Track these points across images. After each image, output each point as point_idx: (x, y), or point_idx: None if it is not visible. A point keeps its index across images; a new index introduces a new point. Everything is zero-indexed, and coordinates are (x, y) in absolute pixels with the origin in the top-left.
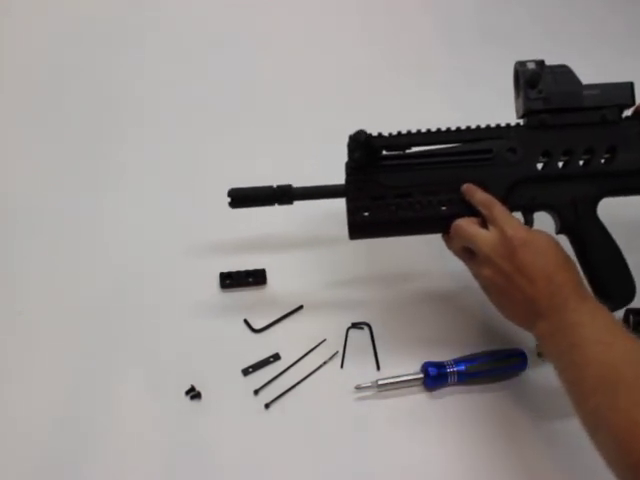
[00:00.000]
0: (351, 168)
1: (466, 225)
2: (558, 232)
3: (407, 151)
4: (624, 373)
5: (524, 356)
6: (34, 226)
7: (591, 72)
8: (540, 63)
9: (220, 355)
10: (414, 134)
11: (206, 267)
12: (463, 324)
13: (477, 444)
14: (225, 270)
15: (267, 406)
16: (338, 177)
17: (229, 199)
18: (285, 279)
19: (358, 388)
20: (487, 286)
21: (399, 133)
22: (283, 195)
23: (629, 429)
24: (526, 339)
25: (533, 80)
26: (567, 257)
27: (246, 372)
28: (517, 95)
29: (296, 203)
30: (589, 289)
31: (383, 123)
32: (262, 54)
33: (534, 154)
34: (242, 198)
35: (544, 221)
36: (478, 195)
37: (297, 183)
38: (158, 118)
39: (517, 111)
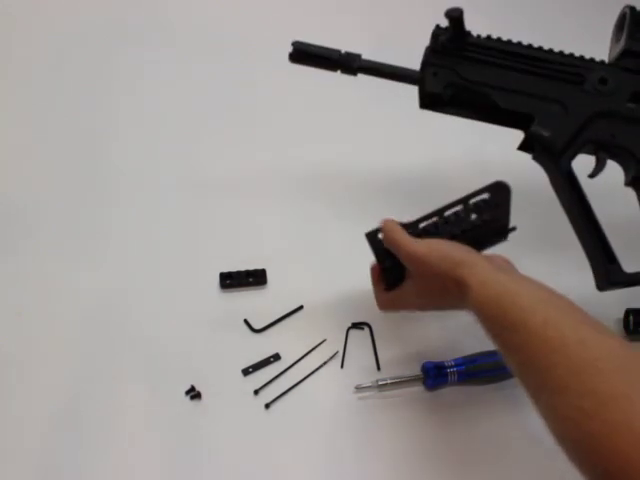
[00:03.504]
0: (431, 51)
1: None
2: (628, 183)
3: (497, 46)
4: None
5: None
6: (34, 226)
7: None
8: None
9: (220, 355)
10: (505, 42)
11: (206, 267)
12: (463, 324)
13: (477, 444)
14: (225, 270)
15: (267, 406)
16: (338, 177)
17: (291, 50)
18: (285, 279)
19: (358, 388)
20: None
21: (489, 37)
22: (349, 63)
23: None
24: None
25: None
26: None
27: (246, 372)
28: (616, 41)
29: (299, 201)
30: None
31: (385, 122)
32: (262, 54)
33: (624, 92)
34: (305, 54)
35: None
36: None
37: (297, 181)
38: (158, 118)
39: (610, 58)
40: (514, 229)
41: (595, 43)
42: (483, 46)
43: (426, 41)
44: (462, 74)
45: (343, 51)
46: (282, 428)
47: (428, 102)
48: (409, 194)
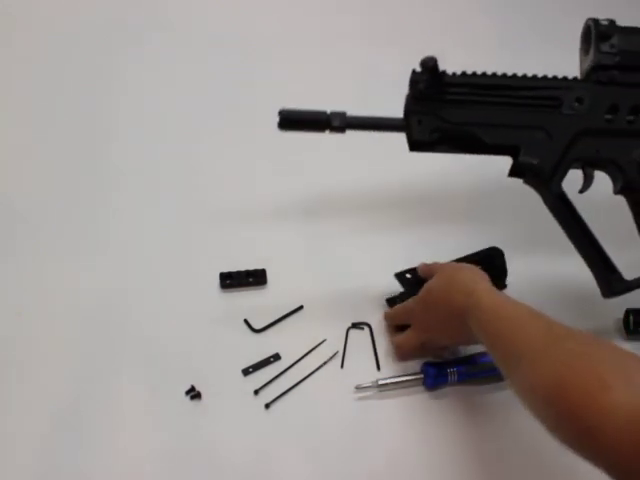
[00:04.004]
0: (412, 98)
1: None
2: (617, 192)
3: (472, 82)
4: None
5: None
6: (34, 226)
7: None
8: (612, 21)
9: (220, 355)
10: (480, 75)
11: (206, 267)
12: None
13: (477, 444)
14: (225, 270)
15: (267, 406)
16: (338, 177)
17: (278, 119)
18: (285, 279)
19: (358, 388)
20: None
21: (464, 73)
22: (336, 122)
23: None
24: None
25: (607, 33)
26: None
27: (246, 372)
28: (585, 53)
29: (299, 201)
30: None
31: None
32: (262, 54)
33: (601, 107)
34: (293, 120)
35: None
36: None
37: (297, 181)
38: (158, 118)
39: (582, 70)
40: (505, 286)
41: None
42: (460, 84)
43: (426, 41)
44: (445, 117)
45: (329, 111)
46: (282, 428)
47: (417, 147)
48: (409, 196)
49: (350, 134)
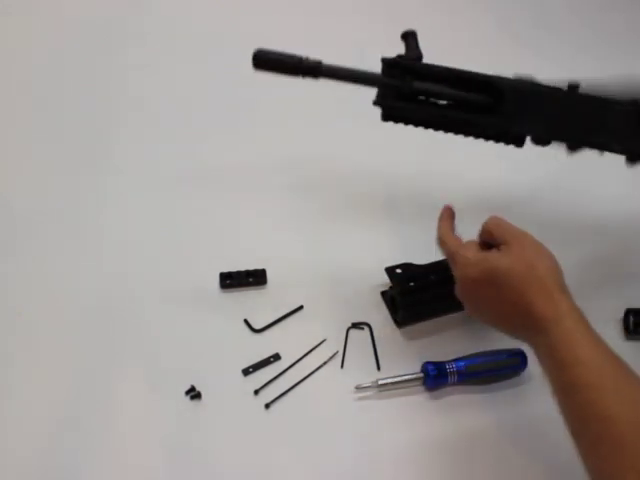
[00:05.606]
0: (386, 64)
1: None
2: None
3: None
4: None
5: (524, 356)
6: (34, 226)
7: (590, 70)
8: None
9: (220, 355)
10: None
11: (206, 267)
12: (463, 324)
13: (477, 444)
14: (225, 270)
15: (267, 406)
16: (338, 178)
17: (253, 58)
18: (285, 279)
19: (358, 388)
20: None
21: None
22: (310, 68)
23: None
24: None
25: None
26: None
27: (246, 372)
28: None
29: (299, 202)
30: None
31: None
32: None
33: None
34: (267, 60)
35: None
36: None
37: (297, 182)
38: (158, 117)
39: None
40: None
41: (599, 41)
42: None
43: (425, 40)
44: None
45: (304, 56)
46: (282, 428)
47: (390, 116)
48: (410, 195)
49: (350, 136)
